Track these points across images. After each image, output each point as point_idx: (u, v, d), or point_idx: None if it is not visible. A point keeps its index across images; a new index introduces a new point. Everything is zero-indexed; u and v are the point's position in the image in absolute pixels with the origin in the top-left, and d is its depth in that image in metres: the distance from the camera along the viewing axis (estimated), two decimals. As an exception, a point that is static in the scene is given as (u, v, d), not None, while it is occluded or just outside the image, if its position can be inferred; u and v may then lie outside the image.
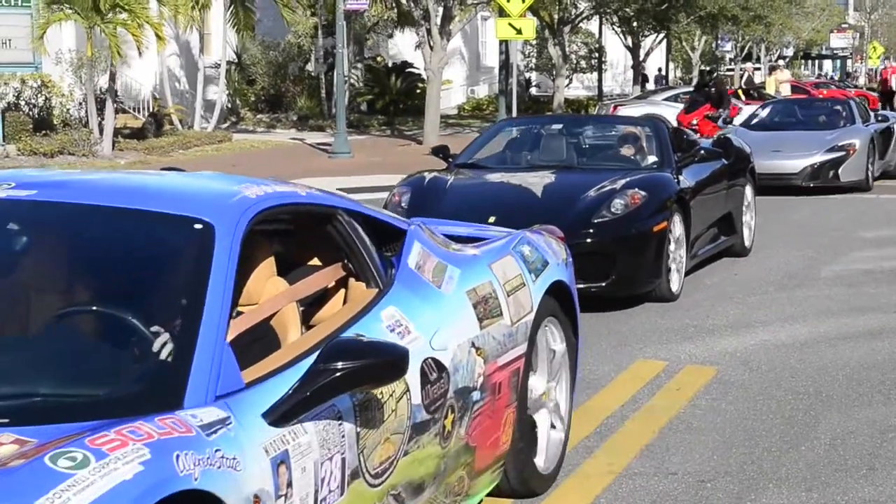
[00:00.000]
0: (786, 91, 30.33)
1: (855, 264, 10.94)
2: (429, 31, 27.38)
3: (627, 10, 40.29)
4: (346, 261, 4.05)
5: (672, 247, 9.16)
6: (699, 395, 6.52)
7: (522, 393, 4.66)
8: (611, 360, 7.38)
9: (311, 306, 4.09)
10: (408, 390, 3.72)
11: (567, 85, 41.91)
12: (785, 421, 6.01)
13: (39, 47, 23.42)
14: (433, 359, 3.93)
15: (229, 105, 33.59)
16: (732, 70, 58.05)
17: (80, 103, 25.26)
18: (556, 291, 5.02)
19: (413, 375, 3.73)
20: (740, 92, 34.07)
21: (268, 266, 3.85)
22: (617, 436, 5.81)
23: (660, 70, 51.90)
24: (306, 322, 3.96)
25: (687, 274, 9.67)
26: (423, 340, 3.92)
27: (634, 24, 42.66)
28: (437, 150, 10.96)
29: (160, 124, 27.28)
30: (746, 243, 11.40)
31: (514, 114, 25.64)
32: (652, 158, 10.23)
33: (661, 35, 45.34)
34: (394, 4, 36.19)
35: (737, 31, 49.82)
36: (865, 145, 17.47)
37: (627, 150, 10.47)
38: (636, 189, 9.14)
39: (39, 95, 24.72)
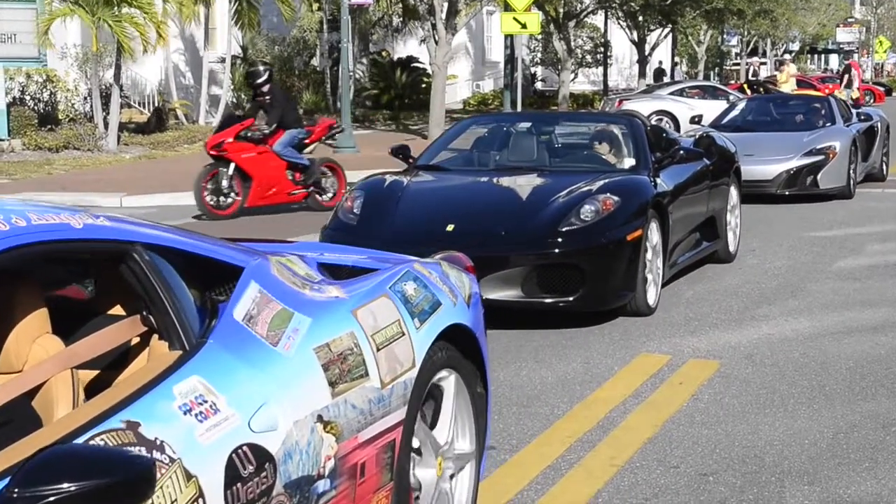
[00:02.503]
0: (791, 86, 30.33)
1: (859, 259, 10.93)
2: (434, 26, 27.35)
3: (633, 4, 40.29)
4: (145, 312, 3.18)
5: (648, 256, 8.40)
6: (702, 389, 6.52)
7: (402, 470, 3.73)
8: (613, 353, 7.38)
9: (113, 370, 3.29)
10: (201, 495, 2.78)
11: (572, 79, 41.88)
12: (787, 415, 6.01)
13: (44, 42, 23.45)
14: (251, 445, 3.00)
15: (234, 100, 33.60)
16: (738, 64, 58.06)
17: (86, 98, 25.29)
18: (454, 337, 4.10)
19: (213, 474, 2.85)
20: (745, 87, 34.06)
21: (36, 322, 3.03)
22: (619, 429, 5.81)
23: (660, 63, 51.85)
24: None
25: (666, 284, 9.09)
26: (236, 421, 2.99)
27: (640, 18, 42.66)
28: (397, 151, 10.16)
29: (165, 119, 27.31)
30: (731, 248, 10.77)
31: (520, 108, 25.61)
32: (627, 159, 9.51)
33: (667, 29, 45.32)
34: (399, -1, 36.21)
35: (743, 25, 49.84)
36: (847, 148, 15.83)
37: (601, 150, 9.81)
38: (608, 194, 8.36)
39: (44, 90, 24.75)
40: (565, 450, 5.48)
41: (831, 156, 15.67)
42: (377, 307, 3.77)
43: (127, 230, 3.16)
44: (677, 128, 26.07)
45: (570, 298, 7.95)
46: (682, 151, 9.83)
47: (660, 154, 9.58)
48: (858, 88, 37.12)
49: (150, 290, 3.11)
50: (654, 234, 8.61)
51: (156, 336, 3.15)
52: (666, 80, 44.54)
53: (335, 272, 4.04)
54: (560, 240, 8.03)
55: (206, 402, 2.94)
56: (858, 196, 16.07)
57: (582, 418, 6.00)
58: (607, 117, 12.52)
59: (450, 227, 8.09)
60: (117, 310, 3.38)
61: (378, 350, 3.65)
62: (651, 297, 8.49)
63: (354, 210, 8.59)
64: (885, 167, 18.50)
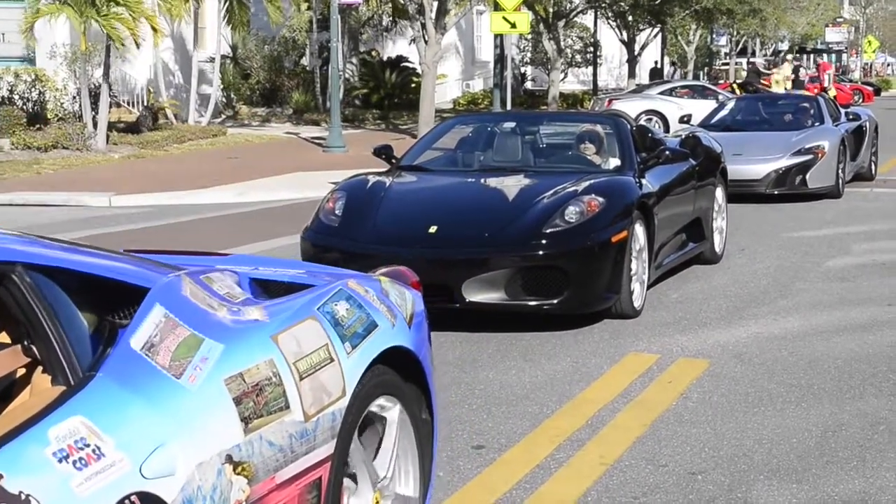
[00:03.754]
0: (783, 88, 30.37)
1: (848, 258, 10.95)
2: (423, 26, 27.34)
3: (622, 3, 40.33)
4: (26, 341, 2.86)
5: (633, 258, 8.28)
6: (691, 388, 6.53)
7: None
8: (603, 352, 7.38)
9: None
10: None
11: (562, 79, 41.91)
12: (776, 413, 6.02)
13: (28, 38, 23.39)
14: (142, 494, 2.66)
15: (224, 99, 33.55)
16: (728, 64, 58.10)
17: (74, 97, 25.23)
18: (394, 361, 3.78)
19: None
20: (735, 87, 34.08)
21: None
22: (608, 428, 5.82)
23: (655, 63, 51.90)
24: None
25: (652, 285, 8.99)
26: (125, 467, 2.65)
27: (629, 18, 42.71)
28: (380, 151, 9.98)
29: (154, 118, 27.26)
30: (717, 249, 10.69)
31: (509, 107, 25.61)
32: (612, 160, 9.44)
33: (657, 29, 45.38)
34: (388, -1, 36.20)
35: (732, 25, 49.90)
36: (835, 147, 15.82)
37: (586, 151, 9.70)
38: (593, 195, 8.24)
39: (33, 89, 24.69)
40: (554, 449, 5.48)
41: (820, 155, 15.64)
42: (302, 331, 3.41)
43: (6, 249, 2.84)
44: (667, 127, 26.10)
45: (555, 301, 7.83)
46: (667, 152, 9.69)
47: (645, 154, 9.51)
48: (835, 87, 37.23)
49: (31, 317, 2.78)
50: (639, 236, 8.49)
51: (39, 369, 2.82)
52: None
53: (271, 289, 3.74)
54: (544, 241, 7.91)
55: (87, 445, 2.59)
56: (847, 195, 16.10)
57: (571, 417, 6.00)
58: (592, 117, 12.39)
59: (433, 229, 8.01)
60: (4, 338, 3.01)
61: (301, 379, 3.30)
62: (636, 300, 8.39)
63: (336, 211, 8.44)
64: (873, 167, 18.49)
